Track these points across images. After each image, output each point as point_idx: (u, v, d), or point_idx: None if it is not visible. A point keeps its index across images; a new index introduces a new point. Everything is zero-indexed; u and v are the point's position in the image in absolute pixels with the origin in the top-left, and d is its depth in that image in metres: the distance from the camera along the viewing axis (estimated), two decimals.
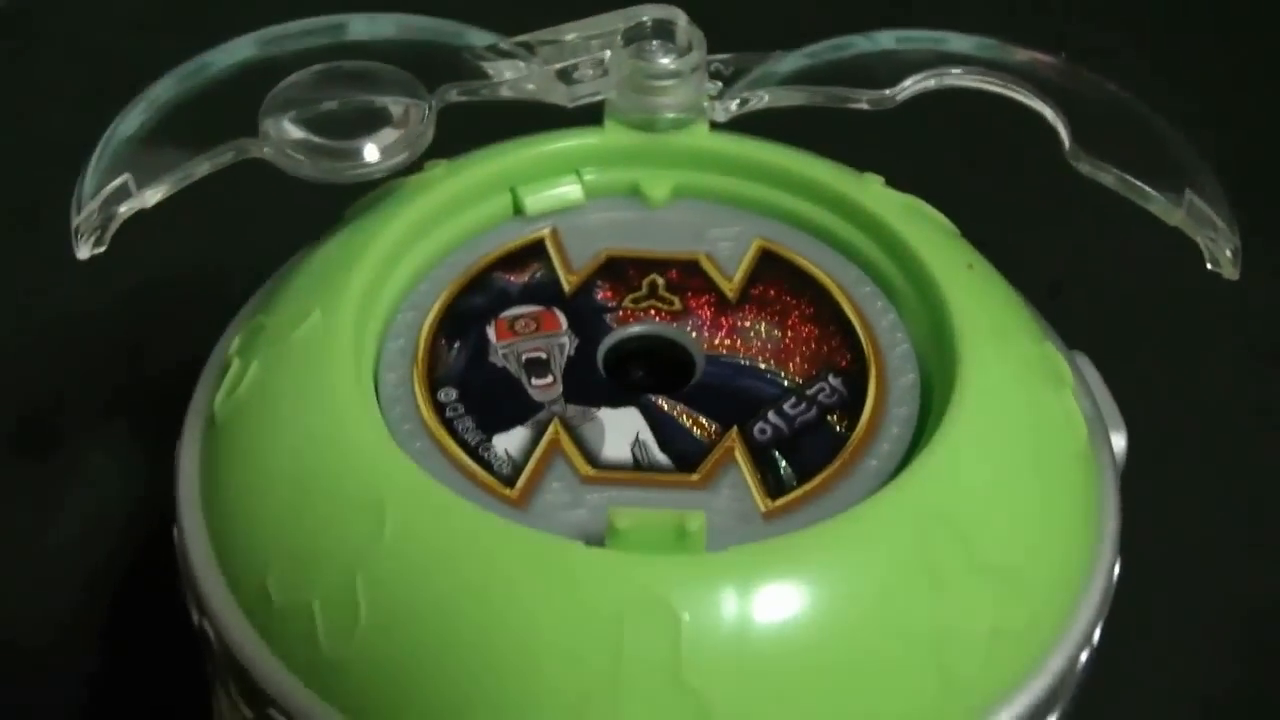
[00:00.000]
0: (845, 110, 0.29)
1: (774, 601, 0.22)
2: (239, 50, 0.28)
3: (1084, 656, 0.25)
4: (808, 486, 0.24)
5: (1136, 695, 0.33)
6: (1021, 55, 0.29)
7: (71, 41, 0.50)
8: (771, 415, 0.25)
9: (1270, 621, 0.35)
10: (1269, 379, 0.41)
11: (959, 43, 0.29)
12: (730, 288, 0.28)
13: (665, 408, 0.26)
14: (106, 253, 0.26)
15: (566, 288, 0.28)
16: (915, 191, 0.30)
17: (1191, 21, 0.52)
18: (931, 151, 0.43)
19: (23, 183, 0.44)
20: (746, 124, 0.29)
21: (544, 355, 0.26)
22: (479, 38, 0.29)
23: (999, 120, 0.29)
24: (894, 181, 0.29)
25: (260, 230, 0.34)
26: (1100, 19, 0.51)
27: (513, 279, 0.28)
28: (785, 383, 0.26)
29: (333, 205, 0.29)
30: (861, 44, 0.29)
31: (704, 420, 0.25)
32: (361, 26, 0.29)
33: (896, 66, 0.29)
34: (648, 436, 0.25)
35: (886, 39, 0.30)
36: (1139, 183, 0.27)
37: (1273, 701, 0.34)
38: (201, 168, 0.27)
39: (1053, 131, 0.28)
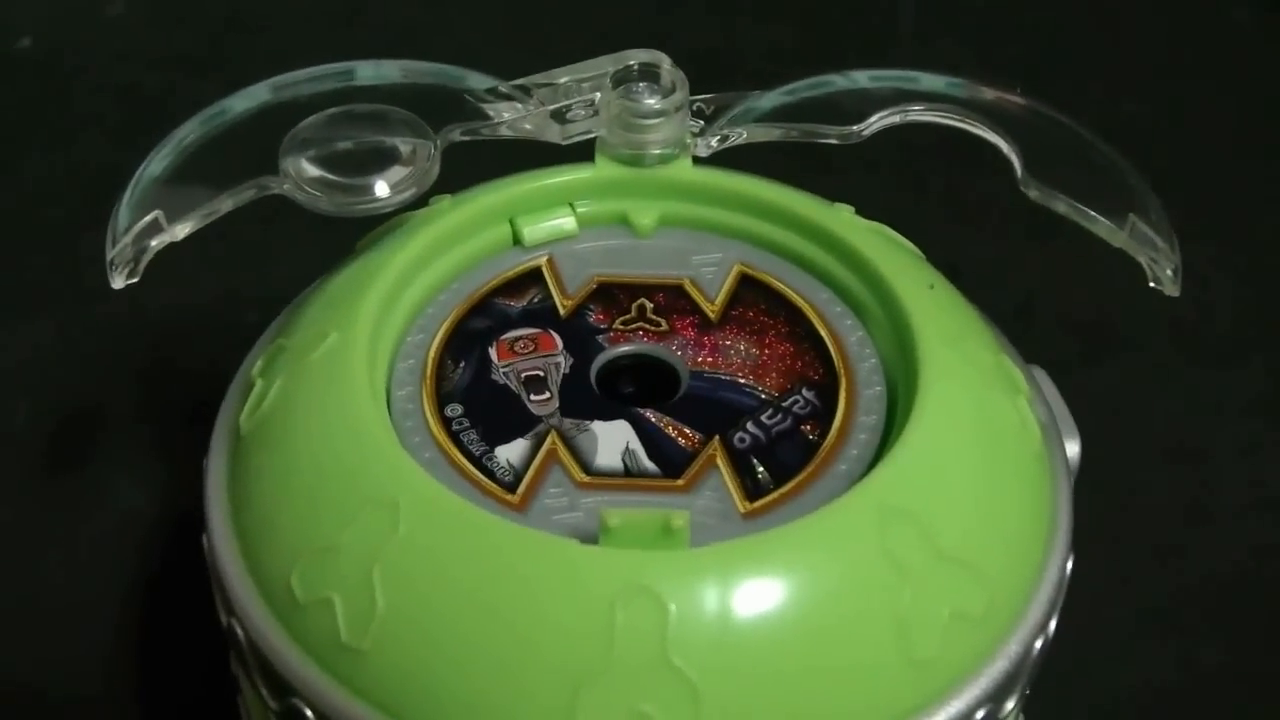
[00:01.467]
0: (820, 145, 0.30)
1: (752, 592, 0.23)
2: (256, 95, 0.29)
3: (1039, 644, 0.26)
4: (783, 489, 0.25)
5: (1090, 683, 0.34)
6: (987, 93, 0.30)
7: (102, 78, 0.51)
8: (750, 425, 0.27)
9: (1214, 617, 0.37)
10: (1222, 388, 0.42)
11: (930, 81, 0.30)
12: (712, 309, 0.29)
13: (653, 420, 0.27)
14: (138, 280, 0.27)
15: (562, 311, 0.29)
16: (890, 220, 0.31)
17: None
18: (906, 182, 0.45)
19: (58, 210, 0.45)
20: (728, 158, 0.30)
21: (542, 373, 0.28)
22: (479, 81, 0.30)
23: (969, 152, 0.30)
24: (866, 211, 0.30)
25: (279, 261, 0.35)
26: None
27: (512, 303, 0.29)
28: (763, 395, 0.27)
29: (346, 238, 0.30)
30: (838, 82, 0.30)
31: (688, 431, 0.26)
32: (368, 72, 0.30)
33: (865, 103, 0.30)
34: (637, 446, 0.26)
35: (862, 77, 0.30)
36: (1084, 208, 0.28)
37: (1216, 687, 0.35)
38: (226, 204, 0.28)
39: (1008, 162, 0.29)
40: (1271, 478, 0.40)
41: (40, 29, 0.53)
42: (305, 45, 0.51)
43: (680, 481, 0.26)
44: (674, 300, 0.29)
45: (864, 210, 0.30)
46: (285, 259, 0.34)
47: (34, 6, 0.54)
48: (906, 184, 0.45)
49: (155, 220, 0.27)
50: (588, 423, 0.27)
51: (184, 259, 0.29)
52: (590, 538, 0.24)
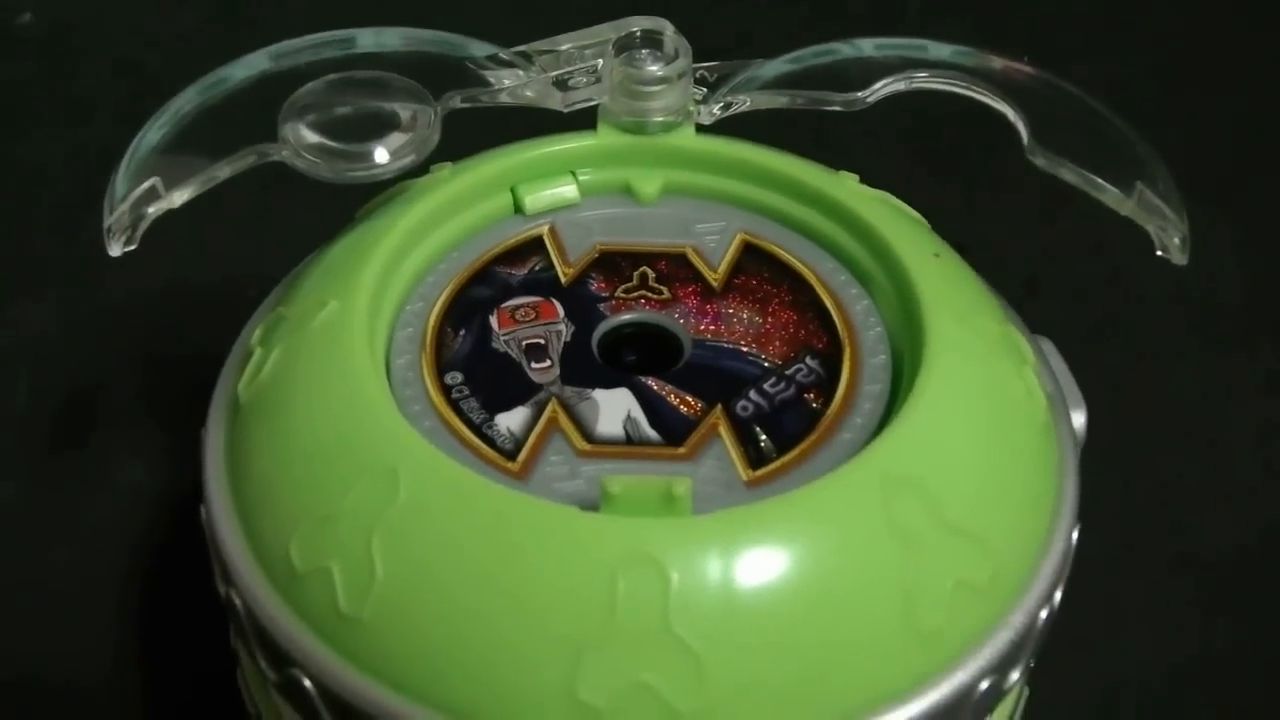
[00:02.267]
0: (826, 113, 0.30)
1: (755, 559, 0.23)
2: (255, 63, 0.29)
3: (1044, 615, 0.26)
4: (786, 458, 0.25)
5: (1096, 656, 0.34)
6: (994, 61, 0.30)
7: (107, 56, 0.51)
8: (753, 394, 0.27)
9: (1220, 589, 0.36)
10: (1231, 364, 0.42)
11: (937, 50, 0.30)
12: (715, 278, 0.29)
13: (655, 388, 0.27)
14: (138, 251, 0.27)
15: (563, 279, 0.29)
16: (897, 190, 0.30)
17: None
18: (913, 153, 0.45)
19: (64, 187, 0.45)
20: (732, 127, 0.30)
21: (543, 341, 0.27)
22: (480, 48, 0.29)
23: (978, 122, 0.30)
24: (871, 182, 0.30)
25: (279, 237, 0.35)
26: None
27: (513, 272, 0.29)
28: (766, 364, 0.27)
29: (345, 214, 0.30)
30: (844, 50, 0.30)
31: (690, 399, 0.26)
32: (369, 40, 0.29)
33: (869, 71, 0.30)
34: (638, 414, 0.26)
35: (868, 45, 0.30)
36: (1092, 176, 0.28)
37: (1224, 664, 0.35)
38: (224, 171, 0.27)
39: (1015, 130, 0.29)
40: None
41: (41, 4, 0.53)
42: (309, 21, 0.51)
43: (682, 450, 0.26)
44: (676, 268, 0.29)
45: (869, 178, 0.30)
46: (285, 235, 0.34)
47: None
48: (912, 156, 0.45)
49: (153, 187, 0.27)
50: (589, 391, 0.27)
51: (184, 235, 0.29)
52: (591, 505, 0.24)
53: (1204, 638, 0.35)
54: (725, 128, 0.30)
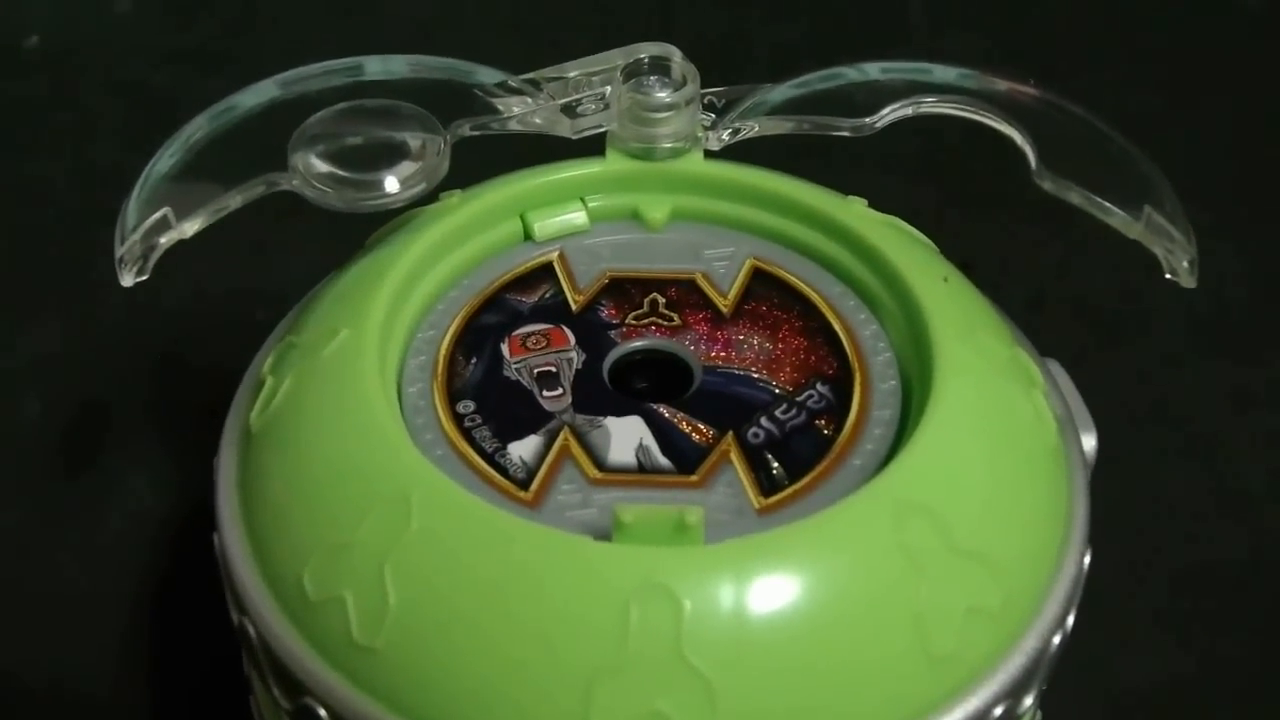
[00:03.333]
0: (834, 138, 0.30)
1: (767, 588, 0.23)
2: (264, 91, 0.29)
3: (1057, 639, 0.26)
4: (798, 485, 0.25)
5: (1108, 676, 0.34)
6: (999, 84, 0.30)
7: (112, 76, 0.51)
8: (764, 420, 0.27)
9: (1228, 602, 0.36)
10: (1242, 383, 0.42)
11: (942, 73, 0.30)
12: (725, 304, 0.29)
13: (666, 415, 0.27)
14: (148, 277, 0.27)
15: (574, 306, 0.29)
16: (905, 214, 0.31)
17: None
18: (921, 169, 0.45)
19: (67, 208, 0.46)
20: (741, 152, 0.30)
21: (554, 369, 0.27)
22: (488, 75, 0.30)
23: (985, 138, 0.30)
24: (880, 203, 0.30)
25: (289, 257, 0.35)
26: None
27: (524, 299, 0.29)
28: (776, 390, 0.27)
29: (356, 234, 0.30)
30: (850, 74, 0.30)
31: (702, 426, 0.26)
32: (377, 67, 0.30)
33: (877, 95, 0.30)
34: (650, 442, 0.26)
35: (874, 69, 0.30)
36: (1099, 199, 0.28)
37: (1233, 678, 0.35)
38: (235, 200, 0.28)
39: (1022, 153, 0.29)
40: None
41: (48, 27, 0.53)
42: (315, 41, 0.51)
43: (694, 477, 0.26)
44: (686, 295, 0.29)
45: (877, 202, 0.30)
46: (294, 257, 0.34)
47: (42, 4, 0.54)
48: (921, 175, 0.45)
49: (164, 217, 0.27)
50: (601, 419, 0.27)
51: (193, 256, 0.29)
52: (604, 534, 0.24)
53: (1212, 652, 0.35)
54: (734, 152, 0.30)
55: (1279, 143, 0.49)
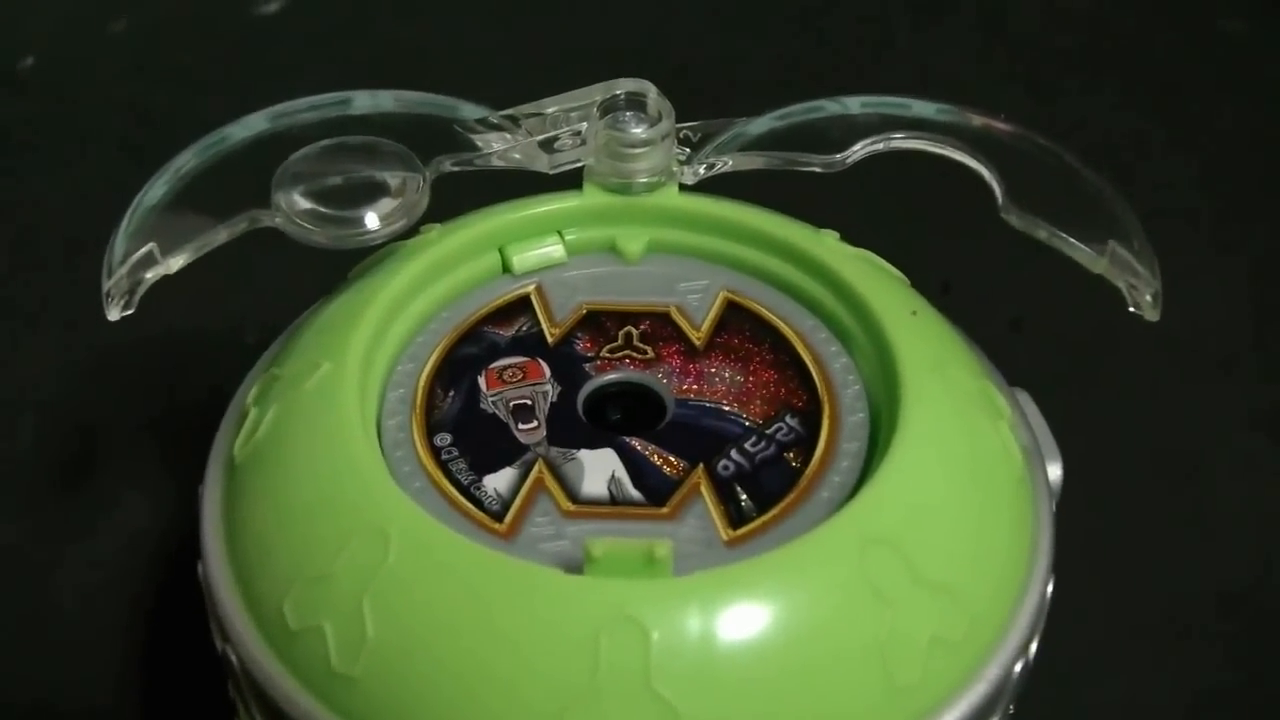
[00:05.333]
0: (807, 172, 0.30)
1: (735, 619, 0.23)
2: (253, 124, 0.30)
3: (1019, 667, 0.26)
4: (766, 517, 0.26)
5: (1078, 702, 0.34)
6: (975, 120, 0.30)
7: (105, 96, 0.51)
8: (734, 453, 0.27)
9: (1199, 638, 0.37)
10: (1214, 398, 0.42)
11: (920, 108, 0.31)
12: (698, 336, 0.29)
13: (638, 448, 0.27)
14: (134, 311, 0.28)
15: (550, 339, 0.29)
16: (880, 245, 0.31)
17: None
18: (896, 205, 0.45)
19: (60, 229, 0.46)
20: (716, 186, 0.31)
21: (529, 402, 0.28)
22: (470, 111, 0.30)
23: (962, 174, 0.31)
24: (857, 223, 0.31)
25: (277, 280, 0.36)
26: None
27: (501, 331, 0.29)
28: (747, 423, 0.28)
29: (342, 259, 0.30)
30: (830, 107, 0.31)
31: (673, 459, 0.27)
32: (365, 101, 0.30)
33: (850, 131, 0.30)
34: (622, 474, 0.27)
35: (854, 103, 0.31)
36: (1065, 235, 0.29)
37: (1211, 712, 0.35)
38: (220, 236, 0.28)
39: (990, 189, 0.29)
40: (1268, 492, 0.40)
41: (43, 47, 0.54)
42: (310, 62, 0.51)
43: (665, 509, 0.26)
44: (660, 327, 0.30)
45: (855, 223, 0.31)
46: (281, 282, 0.34)
47: (37, 25, 0.55)
48: (898, 193, 0.45)
49: (150, 252, 0.28)
50: (575, 451, 0.27)
51: (184, 279, 0.29)
52: (576, 567, 0.24)
53: (1190, 679, 0.36)
54: (711, 183, 0.31)
55: (1260, 167, 0.49)
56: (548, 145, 0.30)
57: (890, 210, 0.41)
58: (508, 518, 0.26)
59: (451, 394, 0.28)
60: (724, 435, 0.27)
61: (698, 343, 0.29)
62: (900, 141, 0.30)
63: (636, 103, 0.30)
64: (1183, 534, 0.39)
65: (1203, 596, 0.37)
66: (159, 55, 0.54)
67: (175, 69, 0.53)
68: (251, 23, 0.56)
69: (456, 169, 0.29)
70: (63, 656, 0.36)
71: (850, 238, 0.31)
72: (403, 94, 0.30)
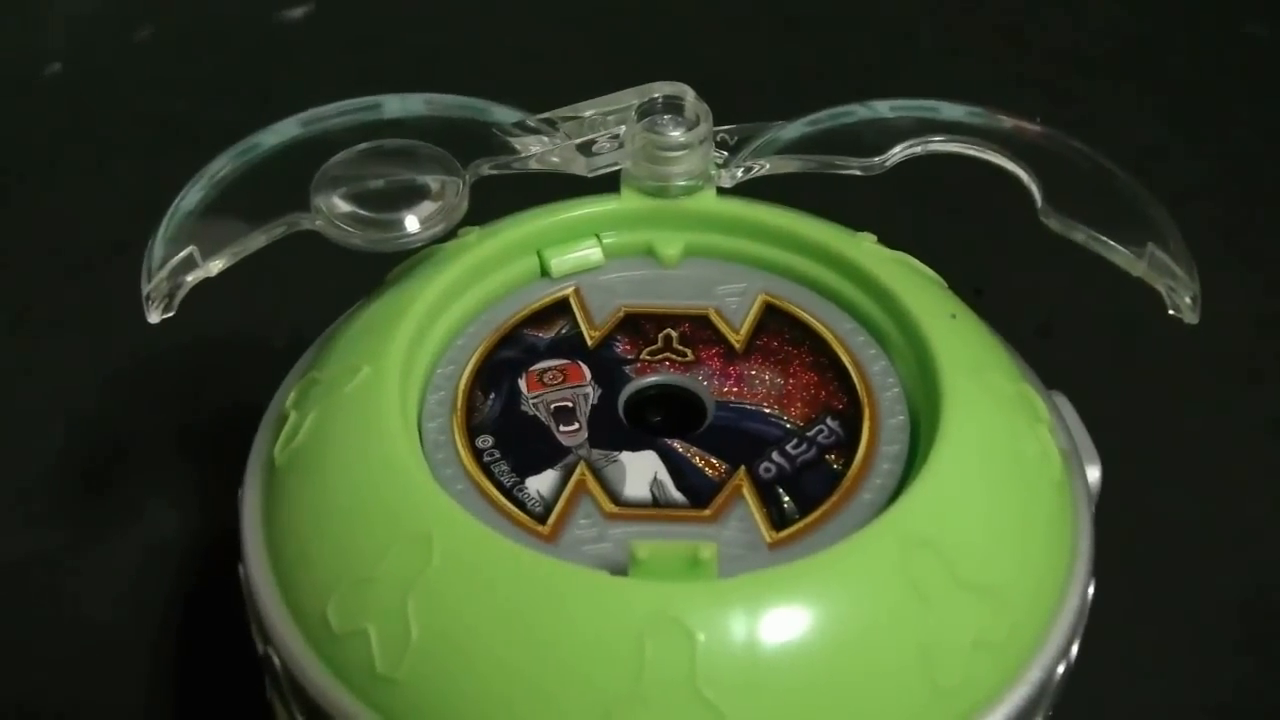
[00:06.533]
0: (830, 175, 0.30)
1: (779, 622, 0.23)
2: (285, 130, 0.30)
3: (1061, 669, 0.26)
4: (808, 519, 0.26)
5: (1115, 706, 0.34)
6: (1006, 122, 0.30)
7: (131, 104, 0.52)
8: (775, 455, 0.27)
9: (1242, 638, 0.36)
10: (1246, 411, 0.42)
11: (950, 110, 0.31)
12: (737, 339, 0.29)
13: (680, 450, 0.27)
14: (175, 313, 0.28)
15: (589, 342, 0.29)
16: (913, 245, 0.31)
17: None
18: (929, 207, 0.45)
19: (88, 236, 0.46)
20: (754, 184, 0.31)
21: (570, 404, 0.28)
22: (504, 114, 0.30)
23: (991, 179, 0.31)
24: (891, 228, 0.31)
25: (310, 286, 0.36)
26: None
27: (540, 334, 0.29)
28: (787, 425, 0.28)
29: (376, 264, 0.30)
30: (860, 112, 0.31)
31: (715, 461, 0.27)
32: (395, 106, 0.30)
33: (886, 134, 0.30)
34: (664, 476, 0.27)
35: (883, 108, 0.31)
36: (1103, 238, 0.29)
37: (1245, 709, 0.35)
38: (259, 240, 0.28)
39: (1029, 192, 0.29)
40: None
41: (70, 55, 0.54)
42: (334, 69, 0.51)
43: (707, 511, 0.26)
44: (699, 330, 0.30)
45: (889, 227, 0.31)
46: (312, 286, 0.34)
47: (63, 33, 0.55)
48: (930, 198, 0.46)
49: (190, 255, 0.28)
50: (616, 453, 0.27)
51: (213, 285, 0.29)
52: (620, 568, 0.24)
53: (1223, 683, 0.36)
54: (747, 186, 0.31)
55: None
56: (585, 148, 0.30)
57: (921, 214, 0.41)
58: (550, 520, 0.26)
59: (492, 396, 0.28)
60: (765, 438, 0.27)
61: (737, 345, 0.29)
62: (939, 145, 0.30)
63: (674, 106, 0.30)
64: (1217, 538, 0.39)
65: (1239, 602, 0.37)
66: (184, 63, 0.54)
67: (199, 76, 0.53)
68: (275, 30, 0.56)
69: (495, 172, 0.29)
70: (93, 663, 0.36)
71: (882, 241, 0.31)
72: (434, 97, 0.31)
